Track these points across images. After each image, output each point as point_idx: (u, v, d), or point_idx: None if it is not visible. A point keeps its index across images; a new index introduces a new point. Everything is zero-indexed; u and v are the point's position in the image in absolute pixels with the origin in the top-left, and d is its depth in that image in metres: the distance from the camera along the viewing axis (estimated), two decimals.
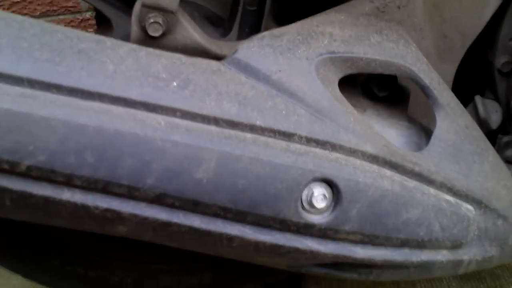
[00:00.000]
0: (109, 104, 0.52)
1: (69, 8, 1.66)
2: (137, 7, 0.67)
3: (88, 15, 1.68)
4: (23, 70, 0.50)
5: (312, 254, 0.58)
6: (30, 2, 1.60)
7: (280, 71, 0.57)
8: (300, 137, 0.56)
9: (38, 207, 0.53)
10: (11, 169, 0.50)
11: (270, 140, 0.55)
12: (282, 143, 0.55)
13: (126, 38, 0.66)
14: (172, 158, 0.52)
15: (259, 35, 0.60)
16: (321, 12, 0.72)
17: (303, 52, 0.59)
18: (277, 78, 0.57)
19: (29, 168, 0.50)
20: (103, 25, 0.85)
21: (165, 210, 0.54)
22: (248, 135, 0.55)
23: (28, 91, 0.50)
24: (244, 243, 0.56)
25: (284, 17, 0.85)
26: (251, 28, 0.83)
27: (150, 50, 0.57)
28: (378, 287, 1.13)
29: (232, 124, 0.54)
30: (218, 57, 0.65)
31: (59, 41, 0.53)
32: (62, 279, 0.94)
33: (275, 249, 0.57)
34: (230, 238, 0.56)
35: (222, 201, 0.54)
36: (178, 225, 0.55)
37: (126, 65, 0.54)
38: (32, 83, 0.50)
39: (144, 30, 0.67)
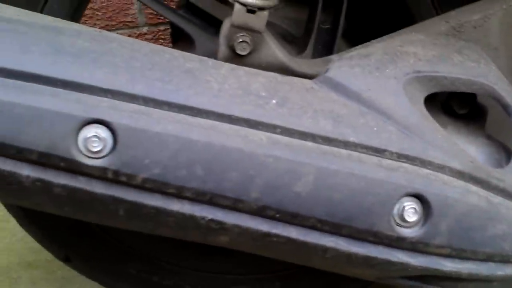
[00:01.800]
0: (215, 120, 0.55)
1: (127, 23, 1.73)
2: (225, 27, 0.70)
3: (145, 29, 1.74)
4: (138, 88, 0.54)
5: (402, 266, 0.60)
6: (90, 17, 1.67)
7: (370, 89, 0.60)
8: (391, 153, 0.58)
9: (149, 217, 0.56)
10: (128, 181, 0.54)
11: (363, 156, 0.58)
12: (374, 159, 0.58)
13: (208, 55, 0.70)
14: (274, 172, 0.55)
15: (348, 55, 0.63)
16: (387, 30, 0.75)
17: (391, 71, 0.61)
18: (367, 96, 0.60)
19: (144, 180, 0.54)
20: (181, 42, 0.89)
21: (265, 221, 0.57)
22: (343, 151, 0.57)
23: (143, 108, 0.54)
24: (338, 254, 0.59)
25: (353, 35, 0.88)
26: (325, 46, 0.86)
27: (248, 69, 0.60)
28: None
29: (328, 140, 0.57)
30: (297, 74, 0.68)
31: (167, 61, 0.57)
32: (138, 287, 0.98)
33: (367, 260, 0.59)
34: (325, 250, 0.59)
35: (319, 214, 0.56)
36: (277, 236, 0.57)
37: (228, 83, 0.57)
38: (146, 101, 0.54)
39: (231, 48, 0.71)
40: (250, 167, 0.55)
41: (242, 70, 0.59)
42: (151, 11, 1.73)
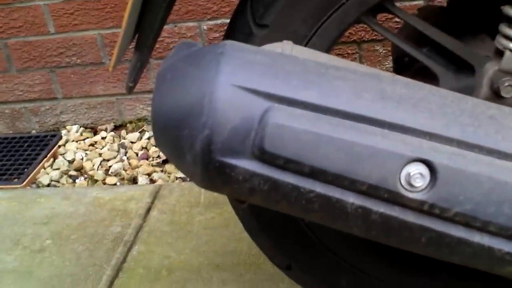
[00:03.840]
0: None
1: None
2: (490, 71, 0.76)
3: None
4: (453, 133, 0.61)
5: None
6: None
7: None
8: None
9: (448, 246, 0.63)
10: (440, 214, 0.61)
11: None
12: None
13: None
14: None
15: None
16: None
17: None
18: None
19: (456, 214, 0.61)
20: (417, 75, 0.96)
21: None
22: None
23: (457, 150, 0.61)
24: None
25: None
26: None
27: None
28: None
29: None
30: None
31: (472, 108, 0.64)
32: None
33: None
34: None
35: None
36: None
37: None
38: (460, 144, 0.61)
39: (494, 90, 0.77)
40: None
41: None
42: None
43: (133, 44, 0.89)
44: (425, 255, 0.67)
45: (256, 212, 0.99)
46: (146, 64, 0.90)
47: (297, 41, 0.85)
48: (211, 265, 1.41)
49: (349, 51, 1.86)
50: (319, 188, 0.61)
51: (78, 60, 2.02)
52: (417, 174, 0.60)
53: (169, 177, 1.80)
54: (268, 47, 0.72)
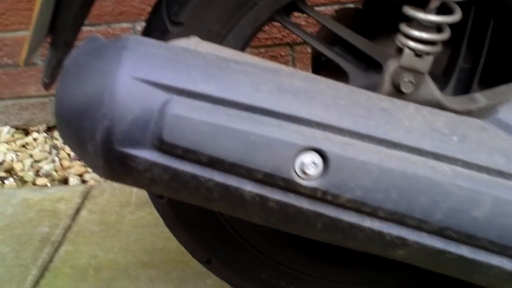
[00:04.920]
0: (407, 153, 0.65)
1: None
2: (391, 67, 0.80)
3: (246, 51, 1.86)
4: (345, 123, 0.64)
5: None
6: None
7: None
8: None
9: (342, 231, 0.66)
10: (332, 200, 0.64)
11: None
12: None
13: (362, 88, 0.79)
14: (457, 199, 0.64)
15: None
16: None
17: None
18: None
19: (347, 200, 0.64)
20: (328, 72, 1.00)
21: (442, 240, 0.66)
22: None
23: (349, 140, 0.64)
24: (500, 272, 0.68)
25: (487, 75, 0.97)
26: (461, 84, 0.95)
27: (429, 109, 0.70)
28: None
29: (501, 174, 0.66)
30: (448, 111, 0.78)
31: (365, 100, 0.67)
32: None
33: None
34: (489, 267, 0.68)
35: (491, 236, 0.65)
36: (450, 253, 0.67)
37: (417, 121, 0.67)
38: (352, 134, 0.64)
39: (395, 86, 0.81)
40: (437, 194, 0.64)
41: (425, 110, 0.68)
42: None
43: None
44: (323, 241, 0.70)
45: (175, 207, 1.00)
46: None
47: (212, 39, 0.87)
48: (139, 263, 1.42)
49: (282, 53, 1.90)
50: (218, 177, 0.63)
51: (10, 61, 1.99)
52: (310, 162, 0.63)
53: (100, 177, 1.79)
54: (174, 42, 0.74)
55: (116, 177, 0.66)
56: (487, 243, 0.66)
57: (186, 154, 0.63)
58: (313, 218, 0.66)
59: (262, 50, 1.85)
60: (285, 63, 1.88)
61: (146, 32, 0.93)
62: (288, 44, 1.88)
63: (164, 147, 0.62)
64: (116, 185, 1.71)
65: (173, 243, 1.45)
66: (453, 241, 0.66)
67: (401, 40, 0.78)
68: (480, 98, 0.82)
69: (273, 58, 1.87)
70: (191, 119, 0.62)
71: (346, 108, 0.65)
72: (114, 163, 0.63)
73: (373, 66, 0.92)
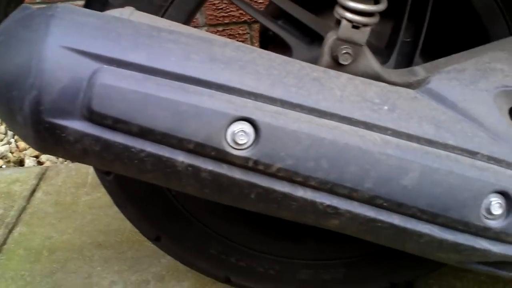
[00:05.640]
0: (338, 122, 0.66)
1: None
2: (330, 39, 0.80)
3: (204, 29, 1.85)
4: (277, 93, 0.65)
5: (484, 252, 0.70)
6: None
7: (465, 100, 0.70)
8: (483, 155, 0.68)
9: (276, 201, 0.67)
10: (264, 170, 0.64)
11: (459, 157, 0.68)
12: (468, 160, 0.68)
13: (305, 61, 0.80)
14: (386, 168, 0.65)
15: (446, 70, 0.73)
16: (460, 44, 0.85)
17: (483, 85, 0.71)
18: (463, 106, 0.70)
19: (278, 169, 0.64)
20: (274, 47, 1.00)
21: (373, 209, 0.67)
22: (443, 152, 0.68)
23: (280, 109, 0.65)
24: (431, 240, 0.69)
25: (427, 48, 0.98)
26: (405, 57, 0.96)
27: (362, 79, 0.70)
28: None
29: (430, 143, 0.67)
30: (388, 83, 0.79)
31: (298, 70, 0.67)
32: (216, 267, 1.09)
33: (454, 246, 0.70)
34: (420, 235, 0.69)
35: (420, 204, 0.67)
36: (381, 222, 0.68)
37: (348, 91, 0.67)
38: (283, 103, 0.65)
39: (334, 58, 0.81)
40: (366, 162, 0.65)
41: (358, 80, 0.69)
42: (211, 12, 1.84)
43: None
44: (259, 211, 0.70)
45: (122, 184, 1.00)
46: None
47: (154, 12, 0.87)
48: (93, 244, 1.41)
49: (240, 32, 1.89)
50: (149, 147, 0.63)
51: None
52: (241, 132, 0.63)
53: (57, 159, 1.77)
54: (109, 12, 0.73)
55: (47, 148, 0.65)
56: (417, 211, 0.67)
57: (117, 124, 0.62)
58: (247, 188, 0.66)
59: (220, 28, 1.85)
60: (244, 41, 1.87)
61: (87, 4, 0.92)
62: (246, 22, 1.88)
63: (94, 117, 0.62)
64: (72, 166, 1.69)
65: (128, 223, 1.44)
66: (384, 209, 0.67)
67: (339, 11, 0.78)
68: (420, 71, 0.83)
69: (231, 36, 1.87)
70: (120, 88, 0.61)
71: (278, 77, 0.65)
72: (43, 134, 0.63)
73: (317, 39, 0.93)
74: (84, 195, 1.57)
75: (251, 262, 1.09)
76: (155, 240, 1.06)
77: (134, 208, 1.02)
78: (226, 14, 1.82)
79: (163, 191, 1.00)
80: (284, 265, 1.09)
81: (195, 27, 1.86)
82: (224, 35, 1.89)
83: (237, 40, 1.87)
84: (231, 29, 1.89)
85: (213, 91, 0.63)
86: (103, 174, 0.99)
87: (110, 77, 0.61)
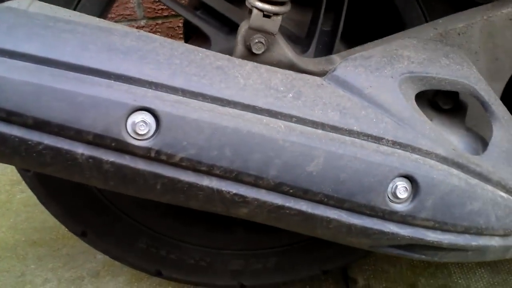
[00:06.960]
0: (241, 110, 0.65)
1: (126, 16, 1.81)
2: (243, 29, 0.80)
3: (143, 23, 1.83)
4: (178, 82, 0.64)
5: (393, 236, 0.71)
6: None
7: (371, 86, 0.71)
8: (388, 140, 0.69)
9: (182, 191, 0.66)
10: (167, 160, 0.64)
11: (364, 142, 0.68)
12: (373, 145, 0.69)
13: (223, 52, 0.80)
14: (290, 155, 0.65)
15: (352, 57, 0.73)
16: (380, 33, 0.86)
17: (388, 71, 0.72)
18: (368, 93, 0.71)
19: (181, 159, 0.64)
20: (195, 39, 0.99)
21: (280, 196, 0.67)
22: (347, 138, 0.68)
23: (181, 98, 0.64)
24: (340, 225, 0.70)
25: (349, 37, 0.99)
26: (325, 46, 0.97)
27: (268, 67, 0.70)
28: (418, 276, 1.26)
29: (335, 129, 0.68)
30: (304, 71, 0.79)
31: (201, 59, 0.67)
32: (146, 260, 1.08)
33: (363, 231, 0.70)
34: (329, 221, 0.69)
35: (326, 190, 0.67)
36: (289, 209, 0.68)
37: (252, 79, 0.67)
38: (184, 92, 0.64)
39: (247, 47, 0.81)
40: (270, 150, 0.65)
41: (263, 68, 0.69)
42: (149, 5, 1.82)
43: None
44: (167, 202, 0.70)
45: (43, 179, 0.98)
46: None
47: (66, 4, 0.85)
48: (28, 242, 1.38)
49: (180, 24, 1.87)
50: (47, 140, 0.62)
51: None
52: (142, 122, 0.62)
53: None
54: (6, 4, 0.71)
55: None
56: (323, 197, 0.67)
57: (11, 117, 0.61)
58: (151, 179, 0.65)
59: (159, 21, 1.82)
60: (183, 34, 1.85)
61: None
62: None
63: None
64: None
65: None
66: (290, 196, 0.67)
67: (249, 0, 0.77)
68: (336, 59, 0.83)
69: (171, 29, 1.85)
70: (12, 80, 0.60)
71: (179, 67, 0.65)
72: None
73: (235, 29, 0.92)
74: (19, 193, 1.54)
75: (182, 254, 1.08)
76: (81, 235, 1.04)
77: (57, 204, 1.00)
78: (164, 7, 1.80)
79: (87, 185, 0.98)
80: (214, 256, 1.09)
81: (133, 20, 1.84)
82: (163, 28, 1.87)
83: (177, 34, 1.85)
84: (170, 21, 1.87)
85: (111, 81, 0.62)
86: (22, 170, 0.97)
87: (2, 68, 0.60)
